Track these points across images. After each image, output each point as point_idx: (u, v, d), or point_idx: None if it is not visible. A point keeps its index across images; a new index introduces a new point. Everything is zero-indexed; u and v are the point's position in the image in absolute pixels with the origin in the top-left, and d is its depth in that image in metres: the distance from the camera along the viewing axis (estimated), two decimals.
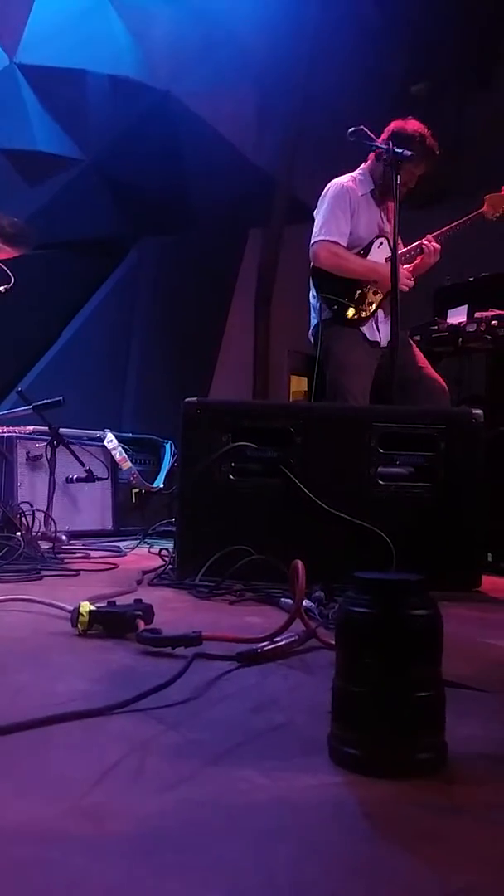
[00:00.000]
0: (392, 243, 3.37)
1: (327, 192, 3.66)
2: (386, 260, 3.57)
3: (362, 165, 3.69)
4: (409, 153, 3.36)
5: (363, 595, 0.96)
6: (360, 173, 3.69)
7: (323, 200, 3.67)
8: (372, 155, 3.62)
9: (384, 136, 3.51)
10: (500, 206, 3.64)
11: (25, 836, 0.76)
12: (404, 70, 6.13)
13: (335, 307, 3.60)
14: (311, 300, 3.73)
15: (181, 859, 0.72)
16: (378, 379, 3.61)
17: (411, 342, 3.73)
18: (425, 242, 3.62)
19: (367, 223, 3.65)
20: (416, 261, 3.67)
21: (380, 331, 3.63)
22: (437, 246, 3.63)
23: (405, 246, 3.67)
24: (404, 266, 3.60)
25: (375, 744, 0.93)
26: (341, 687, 0.97)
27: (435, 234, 3.65)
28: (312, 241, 3.61)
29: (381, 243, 3.65)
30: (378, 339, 3.62)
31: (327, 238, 3.58)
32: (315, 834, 0.80)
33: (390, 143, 3.39)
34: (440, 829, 0.80)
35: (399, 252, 3.52)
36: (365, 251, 3.63)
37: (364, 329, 3.60)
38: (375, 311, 3.62)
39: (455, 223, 3.65)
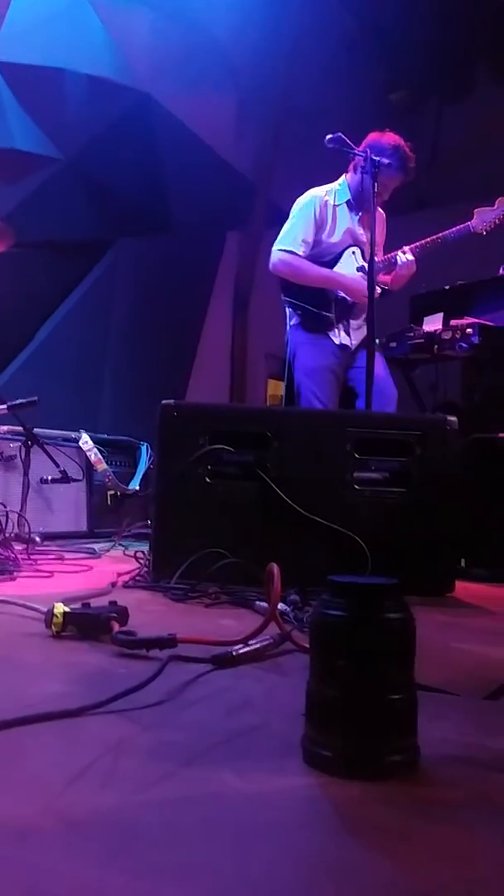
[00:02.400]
0: (370, 253, 3.39)
1: (298, 201, 3.70)
2: (357, 269, 3.61)
3: (342, 176, 3.72)
4: (387, 161, 3.39)
5: (337, 598, 0.97)
6: (338, 184, 3.72)
7: (293, 209, 3.70)
8: (351, 166, 3.65)
9: (361, 147, 3.54)
10: (491, 220, 3.59)
11: None
12: (383, 77, 6.18)
13: (299, 312, 3.65)
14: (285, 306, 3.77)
15: (154, 859, 0.73)
16: (345, 384, 3.65)
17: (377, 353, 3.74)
18: (399, 254, 3.63)
19: (339, 233, 3.67)
20: (393, 272, 3.68)
21: (350, 336, 3.65)
22: (412, 258, 3.62)
23: (384, 255, 3.70)
24: (381, 275, 3.63)
25: (349, 746, 0.94)
26: (315, 689, 0.98)
27: (415, 245, 3.65)
28: (273, 250, 3.67)
29: (353, 252, 3.67)
30: (348, 344, 3.64)
31: (282, 247, 3.65)
32: (288, 834, 0.80)
33: (367, 150, 3.42)
34: (411, 830, 0.81)
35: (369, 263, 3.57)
36: (335, 260, 3.65)
37: (331, 334, 3.63)
38: (342, 317, 3.63)
39: (438, 235, 3.63)
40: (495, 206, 3.62)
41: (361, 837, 0.80)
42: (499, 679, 1.33)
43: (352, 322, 3.67)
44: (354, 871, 0.72)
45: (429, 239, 3.64)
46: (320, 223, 3.65)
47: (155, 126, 5.83)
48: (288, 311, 3.72)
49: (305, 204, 3.67)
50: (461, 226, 3.62)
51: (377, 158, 3.37)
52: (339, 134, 3.45)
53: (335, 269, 3.64)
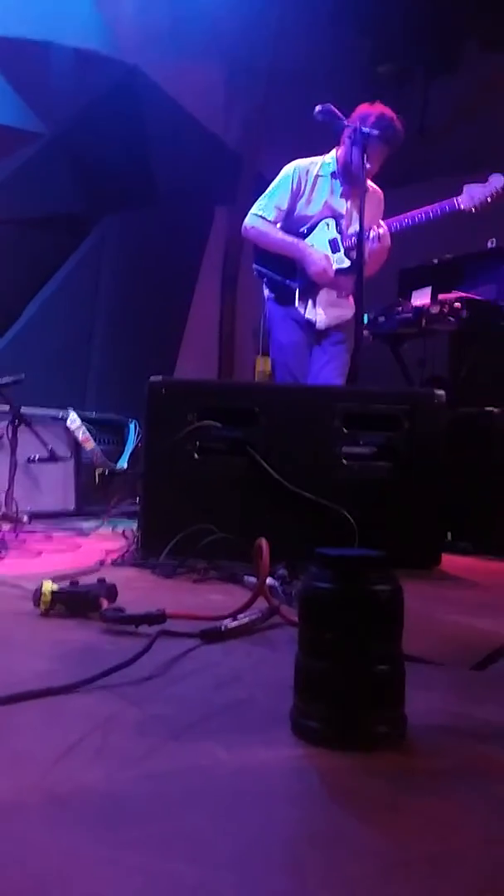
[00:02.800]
0: (359, 228, 3.34)
1: (282, 170, 3.68)
2: (329, 241, 3.58)
3: (334, 149, 3.68)
4: (376, 132, 3.36)
5: (325, 571, 0.97)
6: (329, 156, 3.68)
7: (276, 178, 3.69)
8: (342, 139, 3.60)
9: (351, 118, 3.49)
10: (481, 198, 3.40)
11: None
12: (371, 50, 6.10)
13: (265, 279, 3.66)
14: None
15: (142, 831, 0.73)
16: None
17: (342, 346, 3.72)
18: (374, 229, 3.54)
19: (317, 203, 3.64)
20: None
21: (318, 311, 3.62)
22: (384, 231, 3.51)
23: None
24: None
25: (336, 717, 0.95)
26: (303, 661, 0.98)
27: (393, 219, 3.59)
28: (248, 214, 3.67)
29: (327, 224, 3.62)
30: (313, 320, 3.61)
31: (255, 212, 3.64)
32: (275, 805, 0.81)
33: (357, 122, 3.38)
34: (398, 800, 0.82)
35: (347, 235, 3.55)
36: (309, 230, 3.63)
37: (298, 307, 3.62)
38: (308, 290, 3.61)
39: (420, 211, 3.54)
40: (487, 182, 3.45)
41: (348, 807, 0.80)
42: (484, 649, 1.34)
43: (320, 297, 3.63)
44: (341, 840, 0.73)
45: (408, 214, 3.56)
46: (297, 192, 3.62)
47: (142, 99, 5.76)
48: (263, 283, 3.73)
49: (285, 173, 3.65)
50: (446, 202, 3.47)
51: (366, 129, 3.33)
52: (329, 105, 3.40)
53: (307, 239, 3.61)
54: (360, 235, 3.34)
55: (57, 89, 5.38)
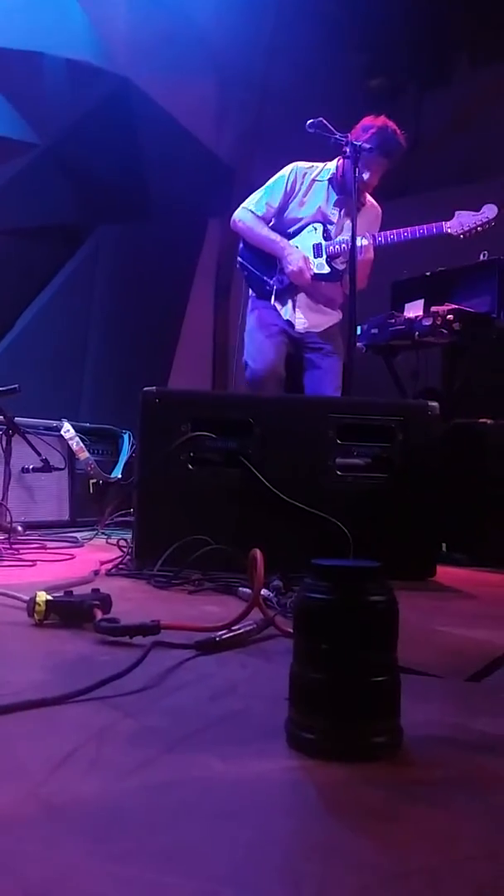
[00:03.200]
0: (351, 239, 3.37)
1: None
2: (313, 246, 3.60)
3: (337, 157, 3.70)
4: (368, 146, 3.38)
5: (320, 582, 0.97)
6: (331, 163, 3.72)
7: None
8: (343, 148, 3.62)
9: (354, 130, 3.53)
10: (472, 226, 3.45)
11: None
12: (364, 63, 6.15)
13: (245, 273, 3.70)
14: None
15: (138, 844, 0.72)
16: (290, 364, 3.67)
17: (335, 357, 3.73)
18: (358, 239, 3.57)
19: (309, 206, 3.66)
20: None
21: (296, 314, 3.63)
22: (367, 243, 3.55)
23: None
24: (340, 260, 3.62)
25: (332, 728, 0.95)
26: (299, 672, 0.98)
27: (379, 234, 3.62)
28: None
29: (315, 228, 3.65)
30: (292, 321, 3.63)
31: (246, 206, 3.69)
32: (272, 816, 0.80)
33: (348, 136, 3.41)
34: (395, 811, 0.82)
35: (334, 241, 3.57)
36: (297, 232, 3.65)
37: (276, 304, 3.62)
38: (280, 288, 3.62)
39: (407, 230, 3.56)
40: (480, 212, 3.48)
41: (345, 819, 0.80)
42: (480, 660, 1.34)
43: (299, 299, 3.64)
44: (338, 852, 0.72)
45: (396, 231, 3.59)
46: (290, 192, 3.66)
47: (135, 111, 5.78)
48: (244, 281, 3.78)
49: (283, 171, 3.71)
50: (434, 224, 3.51)
51: (358, 143, 3.36)
52: (321, 119, 3.43)
53: (293, 240, 3.64)
54: (353, 250, 3.36)
55: (50, 100, 5.40)
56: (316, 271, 3.60)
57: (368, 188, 3.60)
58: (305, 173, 3.67)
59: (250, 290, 3.76)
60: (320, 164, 3.71)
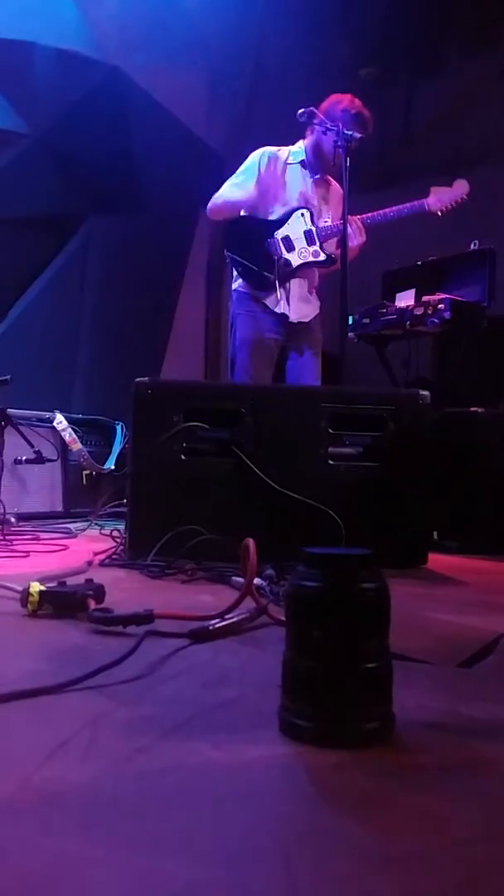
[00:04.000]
0: (343, 220, 3.38)
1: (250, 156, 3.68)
2: (304, 233, 3.58)
3: (301, 140, 3.70)
4: (359, 135, 3.39)
5: (312, 569, 0.98)
6: (296, 145, 3.70)
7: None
8: (308, 130, 3.62)
9: (322, 107, 3.54)
10: (448, 202, 3.57)
11: None
12: (354, 53, 6.13)
13: (240, 269, 3.61)
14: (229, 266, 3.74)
15: (131, 831, 0.73)
16: (282, 356, 3.65)
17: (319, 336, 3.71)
18: (355, 222, 3.58)
19: (290, 191, 3.63)
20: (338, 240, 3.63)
21: (290, 305, 3.61)
22: (361, 226, 3.57)
23: (333, 222, 3.64)
24: (331, 243, 3.62)
25: (324, 714, 0.95)
26: (291, 659, 0.99)
27: (365, 216, 3.62)
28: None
29: (302, 214, 3.61)
30: (286, 313, 3.60)
31: (219, 192, 3.64)
32: (264, 803, 0.81)
33: (339, 125, 3.40)
34: (386, 796, 0.83)
35: (321, 227, 3.56)
36: (283, 219, 3.61)
37: (269, 300, 3.59)
38: (281, 279, 3.59)
39: (390, 209, 3.61)
40: (452, 187, 3.59)
41: (337, 804, 0.81)
42: (471, 647, 1.35)
43: (292, 290, 3.62)
44: (330, 837, 0.73)
45: (380, 212, 3.61)
46: (266, 176, 3.60)
47: (125, 100, 5.75)
48: (233, 273, 3.69)
49: (253, 157, 3.65)
50: (416, 202, 3.59)
51: (349, 133, 3.36)
52: (312, 108, 3.44)
53: (282, 228, 3.60)
54: (345, 235, 3.36)
55: (40, 90, 5.36)
56: (312, 259, 3.58)
57: (335, 171, 3.62)
58: (277, 157, 3.63)
59: (237, 285, 3.69)
60: (285, 148, 3.69)
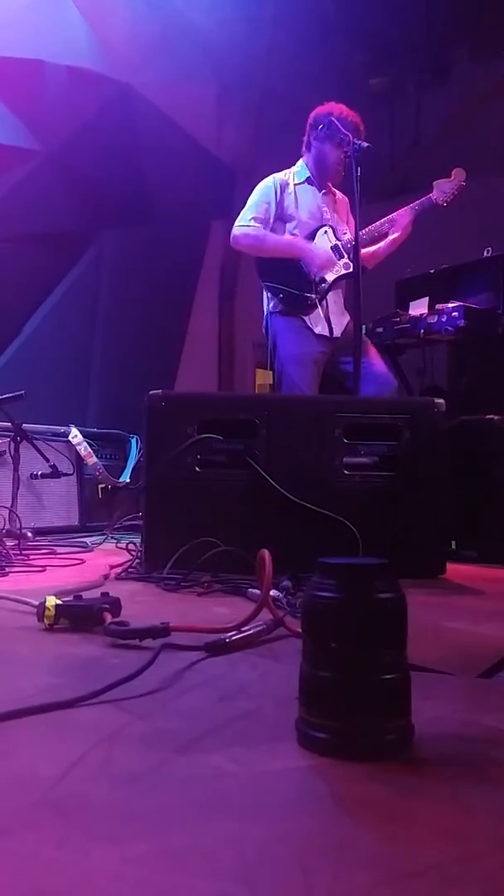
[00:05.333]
0: (355, 233, 3.40)
1: (258, 185, 3.70)
2: (332, 248, 3.60)
3: (300, 159, 3.72)
4: (367, 144, 3.40)
5: (328, 580, 0.97)
6: (297, 165, 3.72)
7: (252, 193, 3.71)
8: (304, 146, 3.67)
9: (308, 124, 3.58)
10: (450, 191, 3.66)
11: None
12: (363, 63, 6.15)
13: (280, 295, 3.62)
14: (263, 291, 3.75)
15: (152, 846, 0.72)
16: (328, 370, 3.64)
17: (366, 338, 3.72)
18: (395, 216, 3.64)
19: (306, 211, 3.65)
20: (387, 239, 3.67)
21: (331, 322, 3.62)
22: (408, 216, 3.64)
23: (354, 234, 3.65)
24: (368, 249, 3.63)
25: (343, 727, 0.94)
26: (308, 671, 0.98)
27: (376, 224, 3.65)
28: (233, 228, 3.68)
29: (326, 231, 3.65)
30: (326, 333, 3.60)
31: (241, 223, 3.64)
32: (283, 816, 0.80)
33: (350, 135, 3.41)
34: (406, 809, 0.82)
35: (364, 231, 3.57)
36: (308, 237, 3.63)
37: (309, 319, 3.60)
38: (321, 297, 3.61)
39: (401, 210, 3.66)
40: (452, 177, 3.69)
41: (356, 817, 0.80)
42: (491, 657, 1.33)
43: (330, 305, 3.63)
44: (350, 850, 0.72)
45: (390, 218, 3.65)
46: (281, 203, 3.64)
47: (136, 116, 5.80)
48: (266, 296, 3.69)
49: (265, 184, 3.68)
50: (423, 198, 3.68)
51: (358, 143, 3.37)
52: (331, 118, 3.47)
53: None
54: (356, 243, 3.36)
55: (52, 107, 5.41)
56: (345, 272, 3.61)
57: (337, 181, 3.67)
58: (286, 181, 3.68)
59: (273, 306, 3.70)
60: (287, 171, 3.72)
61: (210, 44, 6.01)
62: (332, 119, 3.51)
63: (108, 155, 5.66)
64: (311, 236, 3.62)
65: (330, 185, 3.71)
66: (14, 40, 5.10)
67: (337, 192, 3.76)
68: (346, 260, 3.60)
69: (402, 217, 3.64)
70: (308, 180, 3.67)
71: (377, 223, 3.68)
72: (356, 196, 3.39)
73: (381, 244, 3.69)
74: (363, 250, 3.54)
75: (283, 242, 3.61)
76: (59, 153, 5.50)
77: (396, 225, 3.64)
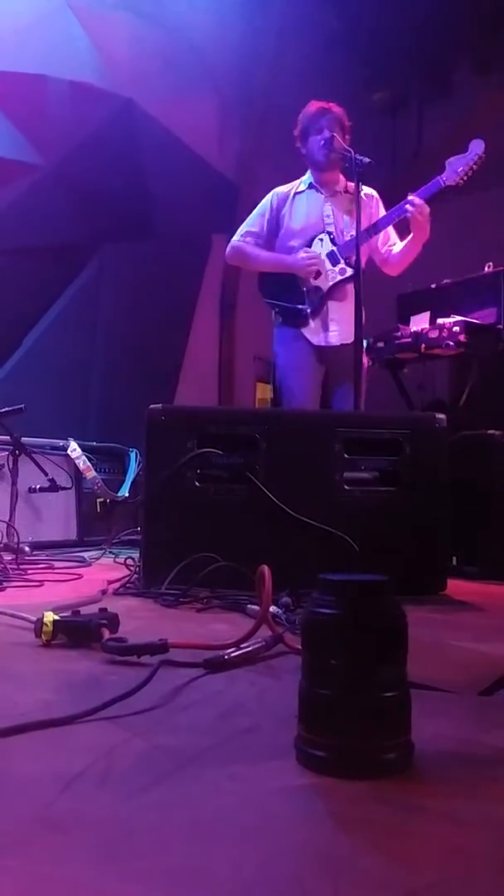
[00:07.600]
0: (356, 237, 3.38)
1: None
2: (327, 255, 3.60)
3: (308, 170, 3.74)
4: (368, 160, 3.39)
5: (328, 596, 0.96)
6: (305, 175, 3.74)
7: None
8: (306, 145, 3.67)
9: (297, 130, 3.63)
10: (464, 169, 3.42)
11: None
12: (365, 78, 6.19)
13: (277, 310, 3.67)
14: None
15: (149, 864, 0.71)
16: (327, 381, 3.65)
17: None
18: (408, 206, 3.43)
19: (302, 218, 3.66)
20: (405, 241, 3.61)
21: (328, 333, 3.61)
22: (419, 201, 3.41)
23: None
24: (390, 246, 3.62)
25: (342, 745, 0.93)
26: (307, 689, 0.97)
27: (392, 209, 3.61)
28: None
29: (321, 239, 3.63)
30: (324, 344, 3.60)
31: (234, 238, 3.74)
32: (282, 834, 0.79)
33: (352, 150, 3.42)
34: (406, 827, 0.81)
35: (342, 244, 3.57)
36: (303, 246, 3.63)
37: (307, 330, 3.61)
38: (314, 308, 3.61)
39: (407, 200, 3.45)
40: (468, 151, 3.46)
41: (356, 835, 0.79)
42: (492, 675, 1.32)
43: (330, 313, 3.63)
44: (350, 868, 0.71)
45: (398, 207, 3.57)
46: (273, 216, 3.69)
47: (138, 131, 5.83)
48: (272, 313, 3.74)
49: (264, 199, 3.75)
50: (431, 182, 3.48)
51: (360, 158, 3.37)
52: (333, 135, 3.48)
53: None
54: (358, 250, 3.35)
55: (54, 122, 5.45)
56: (340, 278, 3.60)
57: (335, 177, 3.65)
58: (287, 194, 3.71)
59: (275, 321, 3.71)
60: (296, 182, 3.75)
61: (212, 58, 6.05)
62: (301, 117, 3.58)
63: (109, 169, 5.69)
64: (308, 244, 3.63)
65: (345, 183, 3.65)
66: (17, 55, 5.14)
67: (361, 189, 3.44)
68: (341, 266, 3.59)
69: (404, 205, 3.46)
70: (311, 186, 3.69)
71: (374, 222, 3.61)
72: (357, 211, 3.38)
73: (401, 246, 3.63)
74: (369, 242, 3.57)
75: (269, 258, 3.65)
76: (61, 167, 5.53)
77: (412, 214, 3.43)
